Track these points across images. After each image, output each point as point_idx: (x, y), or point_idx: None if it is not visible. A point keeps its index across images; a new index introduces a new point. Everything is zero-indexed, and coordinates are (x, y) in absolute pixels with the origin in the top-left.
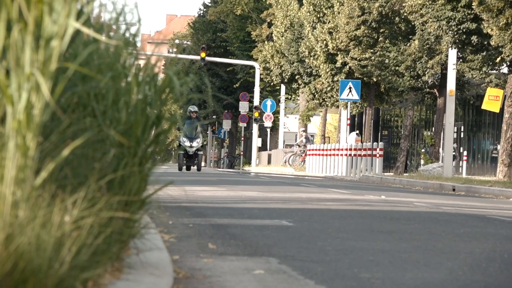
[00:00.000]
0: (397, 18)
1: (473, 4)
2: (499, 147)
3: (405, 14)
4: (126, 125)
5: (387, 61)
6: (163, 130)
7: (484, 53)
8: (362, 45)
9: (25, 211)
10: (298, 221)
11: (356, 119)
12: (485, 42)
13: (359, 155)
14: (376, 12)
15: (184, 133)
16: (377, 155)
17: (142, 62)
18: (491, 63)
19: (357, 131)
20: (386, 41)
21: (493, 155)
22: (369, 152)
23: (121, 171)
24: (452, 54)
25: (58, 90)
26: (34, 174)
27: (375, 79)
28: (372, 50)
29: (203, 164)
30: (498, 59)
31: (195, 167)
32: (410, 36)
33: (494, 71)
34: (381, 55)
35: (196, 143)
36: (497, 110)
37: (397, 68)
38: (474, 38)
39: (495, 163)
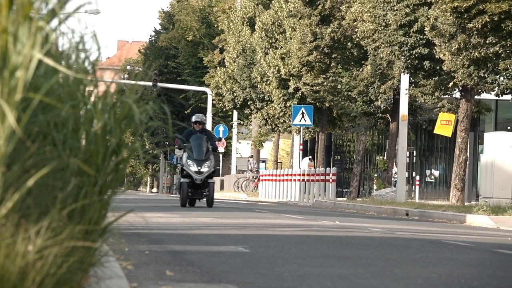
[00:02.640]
0: (349, 44)
1: (425, 29)
2: (435, 172)
3: (357, 39)
4: (86, 153)
5: (339, 86)
6: (123, 159)
7: (437, 78)
8: (315, 71)
9: None
10: (254, 247)
11: (308, 144)
12: (437, 67)
13: (312, 180)
14: (328, 38)
15: (188, 154)
16: (330, 180)
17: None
18: (443, 88)
19: (310, 156)
20: (339, 67)
21: (429, 180)
22: (322, 177)
23: (82, 200)
24: (405, 79)
25: (24, 120)
26: None
27: (327, 104)
28: (324, 76)
29: (154, 190)
30: (451, 84)
31: (204, 200)
32: (363, 62)
33: (447, 96)
34: (333, 81)
35: (207, 168)
36: (449, 135)
37: (349, 93)
38: (426, 63)
39: (448, 187)
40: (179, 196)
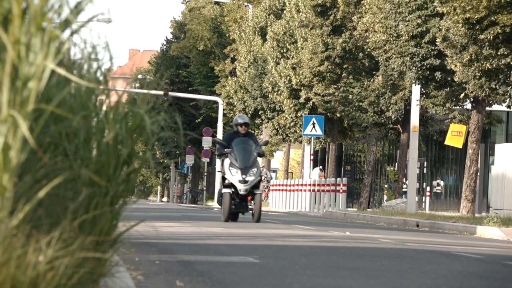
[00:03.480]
0: (360, 54)
1: (436, 40)
2: (441, 182)
3: (368, 50)
4: (97, 164)
5: (350, 96)
6: (134, 169)
7: (448, 89)
8: (326, 81)
9: (0, 252)
10: (264, 257)
11: (319, 154)
12: (449, 78)
13: (323, 190)
14: (340, 48)
15: (230, 160)
16: (341, 191)
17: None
18: (454, 99)
19: (321, 167)
20: (350, 77)
21: (436, 190)
22: (332, 188)
23: (93, 211)
24: (416, 90)
25: (37, 131)
26: (8, 215)
27: (338, 115)
28: (335, 86)
29: (165, 199)
30: (462, 95)
31: (248, 214)
32: (374, 72)
33: (458, 107)
34: (344, 91)
35: (253, 176)
36: (460, 146)
37: (360, 103)
38: (437, 74)
39: (458, 198)
40: (188, 205)
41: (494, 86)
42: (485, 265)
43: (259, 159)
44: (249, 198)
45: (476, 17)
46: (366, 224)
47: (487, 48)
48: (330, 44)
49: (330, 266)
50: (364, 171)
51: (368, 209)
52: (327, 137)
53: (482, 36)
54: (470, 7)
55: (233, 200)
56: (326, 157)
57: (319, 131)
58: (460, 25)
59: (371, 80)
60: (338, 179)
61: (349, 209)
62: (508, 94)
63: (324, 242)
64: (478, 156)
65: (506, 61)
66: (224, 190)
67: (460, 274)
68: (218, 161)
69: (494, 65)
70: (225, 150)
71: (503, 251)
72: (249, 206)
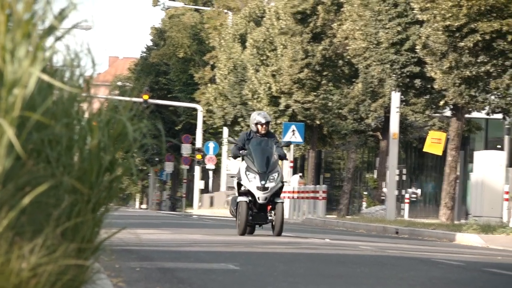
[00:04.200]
0: (340, 61)
1: (416, 47)
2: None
3: (348, 57)
4: (80, 171)
5: (330, 104)
6: (117, 176)
7: (427, 97)
8: (305, 88)
9: None
10: (244, 264)
11: (299, 161)
12: (428, 86)
13: (302, 197)
14: (320, 55)
15: (247, 164)
16: (320, 198)
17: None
18: (434, 106)
19: (300, 174)
20: (330, 84)
21: (412, 198)
22: (312, 195)
23: (75, 218)
24: (395, 97)
25: (22, 138)
26: None
27: (318, 122)
28: (315, 93)
29: (144, 206)
30: (442, 102)
31: (267, 226)
32: (353, 79)
33: (437, 115)
34: (324, 98)
35: (273, 182)
36: (439, 153)
37: (340, 111)
38: (417, 82)
39: (438, 205)
40: (167, 212)
41: (473, 94)
42: (465, 272)
43: (280, 163)
44: (268, 207)
45: (456, 24)
46: (346, 231)
47: (467, 55)
48: (310, 51)
49: (310, 273)
50: (343, 178)
51: (347, 216)
52: (307, 144)
53: (462, 44)
54: (450, 14)
55: (250, 210)
56: (306, 164)
57: (299, 138)
58: (440, 32)
59: (351, 88)
60: (318, 186)
61: (328, 216)
62: (488, 101)
63: (304, 249)
64: (458, 163)
65: (486, 69)
66: (240, 199)
67: (440, 281)
68: (197, 168)
69: (473, 73)
70: (241, 152)
71: (483, 258)
72: (269, 217)
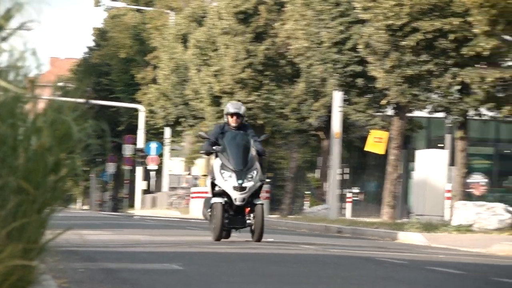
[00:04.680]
0: (282, 61)
1: (358, 47)
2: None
3: (290, 56)
4: (25, 171)
5: (272, 103)
6: (62, 177)
7: (370, 96)
8: (248, 88)
9: None
10: (187, 264)
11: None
12: (371, 85)
13: None
14: (262, 55)
15: (222, 162)
16: (263, 197)
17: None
18: (376, 105)
19: None
20: (272, 84)
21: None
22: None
23: (21, 218)
24: (338, 96)
25: None
26: None
27: (261, 122)
28: (257, 93)
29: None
30: (384, 101)
31: (244, 230)
32: (296, 79)
33: (380, 114)
34: (266, 98)
35: (251, 181)
36: (381, 152)
37: (282, 110)
38: (359, 81)
39: (380, 204)
40: (109, 213)
41: (415, 93)
42: (408, 270)
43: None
44: (247, 210)
45: (398, 23)
46: (288, 231)
47: (409, 54)
48: (252, 51)
49: (253, 273)
50: (286, 178)
51: (290, 216)
52: None
53: (404, 43)
54: (392, 13)
55: (226, 212)
56: None
57: None
58: (382, 31)
59: (293, 87)
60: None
61: (271, 216)
62: (430, 100)
63: (247, 249)
64: (400, 162)
65: (428, 68)
66: (215, 200)
67: (384, 280)
68: (139, 169)
69: (415, 72)
70: (214, 147)
71: (426, 257)
72: (248, 221)
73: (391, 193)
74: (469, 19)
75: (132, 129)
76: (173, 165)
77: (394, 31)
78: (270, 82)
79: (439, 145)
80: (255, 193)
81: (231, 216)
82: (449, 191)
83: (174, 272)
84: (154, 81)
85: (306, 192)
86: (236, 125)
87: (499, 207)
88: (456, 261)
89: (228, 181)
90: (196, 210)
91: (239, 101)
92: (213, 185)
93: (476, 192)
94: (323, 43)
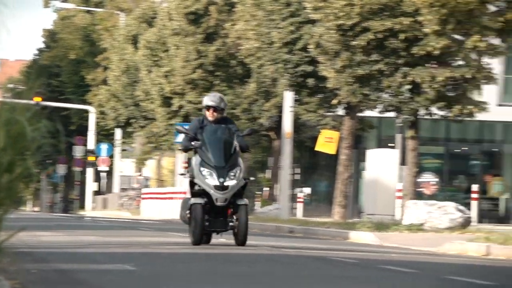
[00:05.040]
0: (233, 61)
1: (309, 47)
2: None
3: (241, 57)
4: None
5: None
6: (16, 177)
7: (321, 96)
8: (198, 89)
9: None
10: (141, 265)
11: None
12: (322, 85)
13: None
14: (213, 56)
15: (202, 158)
16: None
17: None
18: (327, 105)
19: None
20: (223, 84)
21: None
22: None
23: None
24: (288, 96)
25: None
26: None
27: None
28: (208, 93)
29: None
30: (335, 101)
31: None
32: (247, 79)
33: (330, 113)
34: None
35: (234, 180)
36: (332, 152)
37: (233, 111)
38: (310, 81)
39: (331, 204)
40: (60, 214)
41: (366, 92)
42: (361, 269)
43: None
44: (229, 211)
45: (348, 23)
46: None
47: (360, 54)
48: (202, 51)
49: (208, 273)
50: None
51: None
52: None
53: (354, 43)
54: (342, 13)
55: (206, 214)
56: None
57: None
58: (333, 31)
59: (244, 88)
60: None
61: None
62: (380, 100)
63: (200, 249)
64: (351, 162)
65: (378, 67)
66: (194, 201)
67: (337, 279)
68: (90, 170)
69: (366, 71)
70: (193, 143)
71: (378, 256)
72: (230, 223)
73: (342, 193)
74: (420, 18)
75: (83, 131)
76: (124, 166)
77: (345, 31)
78: (221, 83)
79: (389, 144)
80: (238, 193)
81: (212, 218)
82: (400, 190)
83: (128, 272)
84: (104, 82)
85: (257, 193)
86: (214, 119)
87: (450, 206)
88: (409, 260)
89: (208, 180)
90: (148, 211)
91: (190, 101)
92: (192, 184)
93: (427, 191)
94: (274, 43)
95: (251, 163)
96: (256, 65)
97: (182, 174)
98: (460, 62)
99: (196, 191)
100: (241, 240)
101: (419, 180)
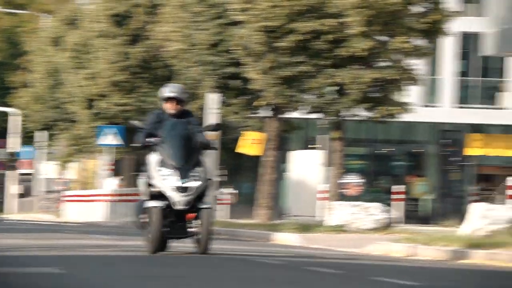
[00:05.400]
0: (158, 63)
1: (234, 48)
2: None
3: (166, 59)
4: None
5: (147, 106)
6: None
7: (249, 97)
8: (122, 91)
9: None
10: (67, 268)
11: (118, 164)
12: (247, 86)
13: (121, 200)
14: (137, 57)
15: (160, 156)
16: (138, 200)
17: None
18: (252, 106)
19: (122, 177)
20: (149, 86)
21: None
22: (130, 197)
23: None
24: (213, 98)
25: None
26: None
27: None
28: (132, 95)
29: None
30: (261, 102)
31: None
32: (171, 81)
33: (255, 115)
34: (141, 101)
35: (196, 181)
36: (257, 153)
37: None
38: (235, 82)
39: (255, 206)
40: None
41: (291, 94)
42: (286, 270)
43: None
44: (190, 216)
45: (273, 25)
46: None
47: (285, 56)
48: (127, 53)
49: (135, 275)
50: None
51: None
52: (126, 147)
53: (279, 44)
54: (268, 15)
55: (165, 218)
56: (124, 167)
57: (117, 141)
58: (258, 33)
59: None
60: (136, 188)
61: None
62: (305, 101)
63: (125, 252)
64: (275, 163)
65: (303, 69)
66: (151, 204)
67: (264, 281)
68: (12, 173)
69: (291, 73)
70: (150, 140)
71: (303, 257)
72: (191, 229)
73: (266, 194)
74: (346, 20)
75: (4, 133)
76: (47, 169)
77: (270, 32)
78: (145, 84)
79: (310, 146)
80: (201, 195)
81: (171, 224)
82: (323, 191)
83: (56, 275)
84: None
85: None
86: (175, 112)
87: (374, 207)
88: (334, 261)
89: (167, 181)
90: (71, 213)
91: (114, 103)
92: (149, 185)
93: (352, 192)
94: (199, 45)
95: None
96: (181, 66)
97: (136, 175)
98: (385, 64)
99: (154, 193)
100: (203, 247)
101: (343, 181)
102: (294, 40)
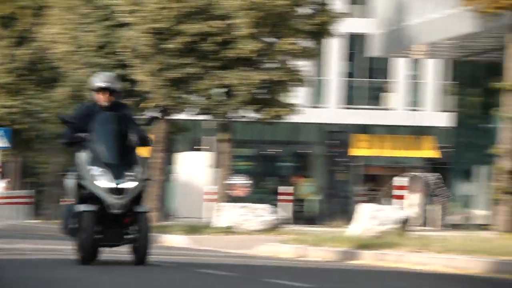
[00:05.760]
0: (45, 65)
1: (122, 50)
2: None
3: (53, 60)
4: None
5: (33, 108)
6: None
7: (138, 99)
8: (9, 92)
9: None
10: None
11: (3, 166)
12: (134, 88)
13: (7, 203)
14: (24, 59)
15: (92, 154)
16: (23, 202)
17: None
18: (140, 108)
19: (9, 179)
20: (36, 88)
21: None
22: (16, 200)
23: None
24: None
25: None
26: None
27: (23, 126)
28: (19, 97)
29: None
30: (151, 104)
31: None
32: (58, 83)
33: (143, 116)
34: (27, 103)
35: (133, 182)
36: (147, 155)
37: (44, 115)
38: (123, 84)
39: None
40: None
41: (179, 95)
42: (179, 273)
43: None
44: (126, 220)
45: (161, 26)
46: (55, 236)
47: (173, 57)
48: (13, 55)
49: (40, 278)
50: (48, 183)
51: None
52: (13, 149)
53: (167, 46)
54: (156, 17)
55: (98, 224)
56: (10, 169)
57: (6, 143)
58: (146, 35)
59: (55, 91)
60: (23, 191)
61: (35, 220)
62: (193, 102)
63: (17, 255)
64: (163, 165)
65: (191, 70)
66: (82, 208)
67: (156, 283)
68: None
69: (180, 74)
70: (79, 135)
71: (193, 259)
72: (127, 235)
73: (154, 196)
74: (234, 21)
75: None
76: None
77: (158, 34)
78: (32, 87)
79: (195, 147)
80: (137, 198)
81: (105, 230)
82: (210, 193)
83: None
84: None
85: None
86: (108, 104)
87: (263, 208)
88: (224, 262)
89: (99, 181)
90: None
91: (1, 106)
92: (79, 187)
93: (238, 193)
94: (86, 47)
95: (62, 167)
96: (68, 68)
97: (63, 175)
98: (272, 65)
99: (85, 195)
100: (140, 257)
101: (230, 182)
102: (182, 42)
